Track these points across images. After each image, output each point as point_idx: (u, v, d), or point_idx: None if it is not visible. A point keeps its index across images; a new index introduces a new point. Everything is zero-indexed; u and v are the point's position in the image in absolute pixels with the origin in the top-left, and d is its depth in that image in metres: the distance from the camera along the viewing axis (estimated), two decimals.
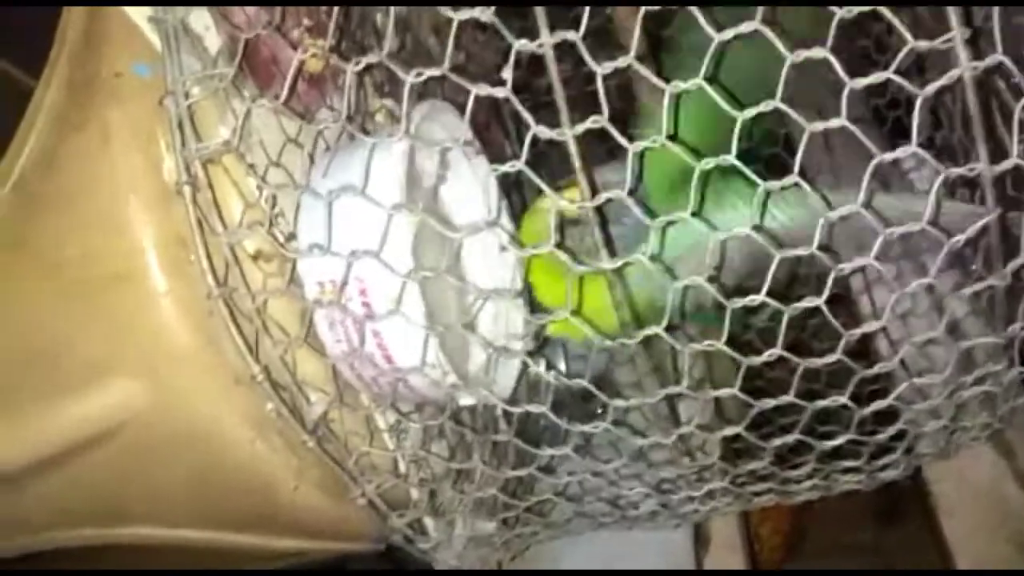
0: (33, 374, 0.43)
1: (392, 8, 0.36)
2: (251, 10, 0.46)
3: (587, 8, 0.32)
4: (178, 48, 0.39)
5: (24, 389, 0.44)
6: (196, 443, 0.45)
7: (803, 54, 0.33)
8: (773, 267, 0.34)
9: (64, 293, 0.42)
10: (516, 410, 0.40)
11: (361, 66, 0.37)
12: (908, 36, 0.33)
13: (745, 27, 0.32)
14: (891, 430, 0.45)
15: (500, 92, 0.34)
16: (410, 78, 0.36)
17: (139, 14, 0.42)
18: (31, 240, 0.42)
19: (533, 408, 0.40)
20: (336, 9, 0.37)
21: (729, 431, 0.40)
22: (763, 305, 0.35)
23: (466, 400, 0.45)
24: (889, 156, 0.34)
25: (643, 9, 0.33)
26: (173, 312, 0.42)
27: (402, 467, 0.49)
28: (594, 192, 0.34)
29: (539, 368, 0.38)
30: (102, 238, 0.41)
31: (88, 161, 0.41)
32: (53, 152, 0.42)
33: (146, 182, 0.40)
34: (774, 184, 0.34)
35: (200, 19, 0.43)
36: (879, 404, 0.42)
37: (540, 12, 0.32)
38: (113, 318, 0.42)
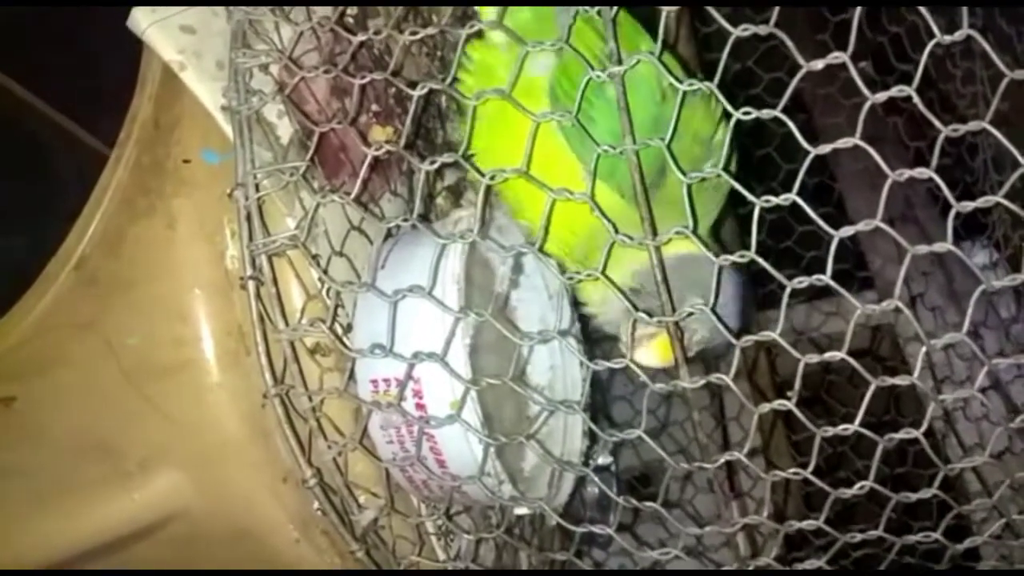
0: (88, 460, 0.42)
1: (473, 106, 0.35)
2: (322, 96, 0.46)
3: None
4: (251, 139, 0.38)
5: (79, 476, 0.42)
6: (240, 540, 0.43)
7: (905, 173, 0.31)
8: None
9: (121, 378, 0.41)
10: (578, 530, 0.38)
11: (436, 166, 0.36)
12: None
13: None
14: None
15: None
16: (486, 180, 0.35)
17: (212, 101, 0.41)
18: (91, 322, 0.42)
19: (597, 530, 0.37)
20: (413, 101, 0.36)
21: (809, 523, 0.36)
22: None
23: (521, 511, 0.43)
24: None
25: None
26: (224, 404, 0.41)
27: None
28: None
29: (613, 496, 0.35)
30: (161, 326, 0.40)
31: (152, 247, 0.40)
32: (117, 235, 0.41)
33: (209, 272, 0.40)
34: None
35: (273, 107, 0.42)
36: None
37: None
38: (165, 407, 0.41)
